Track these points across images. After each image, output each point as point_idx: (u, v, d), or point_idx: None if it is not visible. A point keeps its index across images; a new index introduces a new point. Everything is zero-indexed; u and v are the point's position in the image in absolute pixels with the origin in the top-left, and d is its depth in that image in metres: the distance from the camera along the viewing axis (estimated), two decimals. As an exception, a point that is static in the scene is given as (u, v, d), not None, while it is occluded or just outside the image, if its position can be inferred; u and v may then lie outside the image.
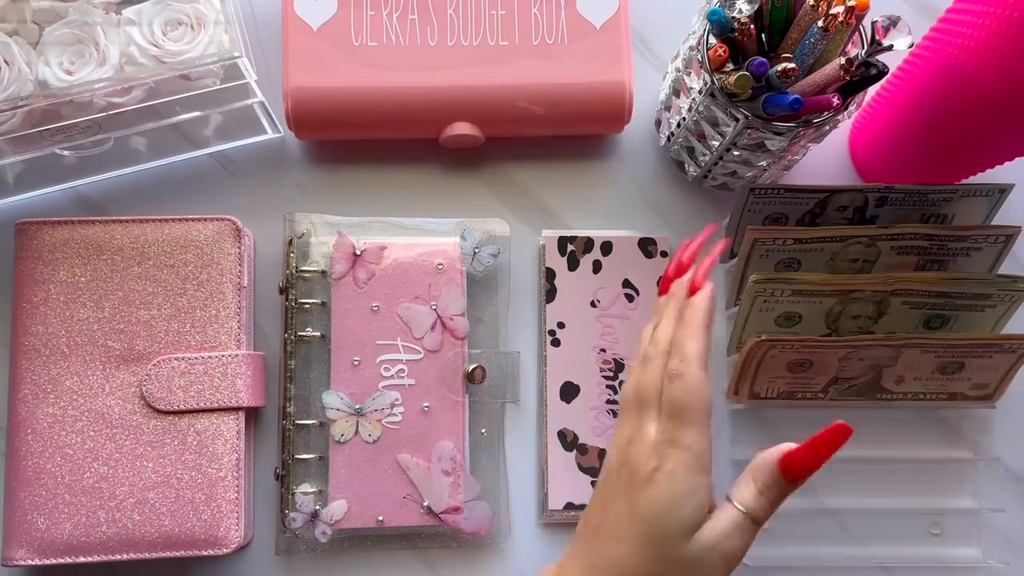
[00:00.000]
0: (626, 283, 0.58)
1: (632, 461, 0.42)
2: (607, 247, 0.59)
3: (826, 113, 0.47)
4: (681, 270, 0.46)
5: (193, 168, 0.59)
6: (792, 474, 0.40)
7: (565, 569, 0.43)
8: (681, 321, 0.44)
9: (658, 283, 0.49)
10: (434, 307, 0.56)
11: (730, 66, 0.48)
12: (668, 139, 0.58)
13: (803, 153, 0.55)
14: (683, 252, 0.47)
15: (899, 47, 0.45)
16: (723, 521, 0.40)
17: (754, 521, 0.41)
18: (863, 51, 0.47)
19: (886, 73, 0.46)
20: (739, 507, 0.41)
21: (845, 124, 0.58)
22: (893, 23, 0.45)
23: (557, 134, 0.59)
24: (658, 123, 0.60)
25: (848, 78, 0.46)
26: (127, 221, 0.55)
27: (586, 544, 0.43)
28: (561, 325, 0.58)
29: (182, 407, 0.53)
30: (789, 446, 0.41)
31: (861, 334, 0.53)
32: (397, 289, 0.56)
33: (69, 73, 0.49)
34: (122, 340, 0.53)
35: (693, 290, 0.45)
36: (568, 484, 0.56)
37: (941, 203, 0.54)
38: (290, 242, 0.56)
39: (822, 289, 0.51)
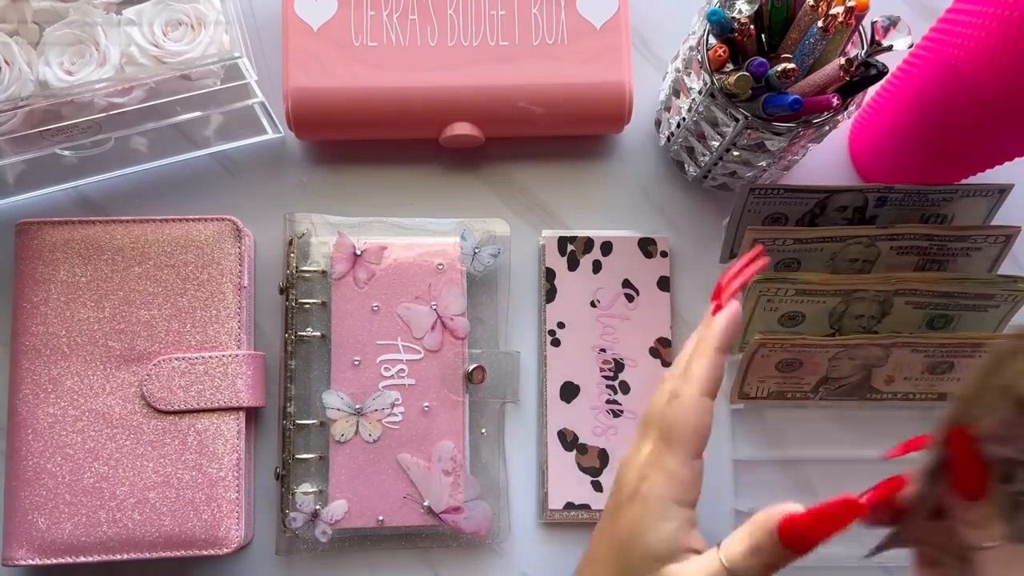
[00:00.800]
0: (626, 283, 0.58)
1: (620, 479, 0.40)
2: (607, 247, 0.59)
3: (826, 113, 0.47)
4: (720, 292, 0.42)
5: (193, 168, 0.59)
6: (790, 542, 0.35)
7: None
8: (698, 341, 0.41)
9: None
10: (434, 307, 0.56)
11: (730, 66, 0.48)
12: (668, 139, 0.58)
13: (803, 153, 0.55)
14: (726, 274, 0.43)
15: (899, 47, 0.45)
16: (700, 568, 0.36)
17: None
18: (863, 51, 0.47)
19: (886, 73, 0.46)
20: (723, 559, 0.36)
21: (845, 124, 0.58)
22: (893, 23, 0.45)
23: (557, 134, 0.59)
24: (658, 123, 0.60)
25: (848, 78, 0.46)
26: (127, 221, 0.55)
27: (579, 571, 0.42)
28: (561, 325, 0.58)
29: (182, 407, 0.53)
30: (794, 508, 0.36)
31: (865, 334, 0.53)
32: (397, 289, 0.56)
33: (69, 73, 0.49)
34: (122, 340, 0.53)
35: (717, 309, 0.41)
36: (568, 484, 0.56)
37: (941, 203, 0.54)
38: (290, 242, 0.56)
39: (825, 289, 0.51)
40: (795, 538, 0.35)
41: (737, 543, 0.36)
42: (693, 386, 0.39)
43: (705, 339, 0.40)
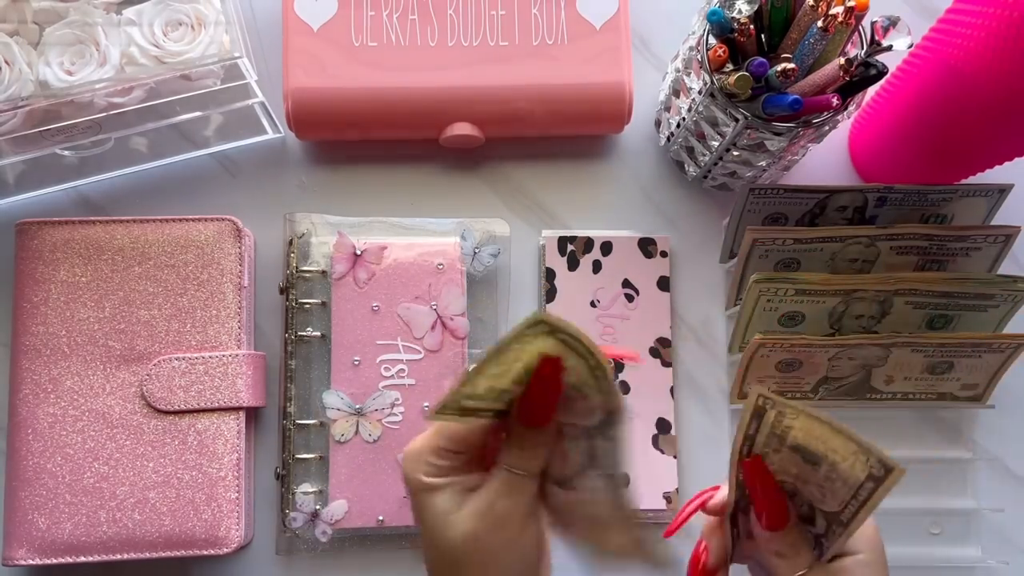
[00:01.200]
0: (626, 283, 0.58)
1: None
2: (607, 247, 0.59)
3: (826, 113, 0.47)
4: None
5: (193, 168, 0.59)
6: (528, 420, 0.38)
7: None
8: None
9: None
10: (434, 307, 0.56)
11: (730, 66, 0.48)
12: (668, 139, 0.58)
13: (803, 153, 0.55)
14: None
15: (898, 47, 0.46)
16: (499, 492, 0.38)
17: (521, 474, 0.39)
18: (862, 51, 0.47)
19: (885, 73, 0.46)
20: (509, 469, 0.39)
21: (845, 124, 0.58)
22: (892, 23, 0.45)
23: (557, 134, 0.59)
24: (658, 123, 0.60)
25: (848, 78, 0.46)
26: (128, 221, 0.55)
27: None
28: (561, 325, 0.58)
29: (183, 407, 0.53)
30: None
31: (865, 334, 0.53)
32: (397, 289, 0.56)
33: (70, 73, 0.49)
34: (123, 340, 0.53)
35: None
36: (568, 484, 0.56)
37: (941, 203, 0.54)
38: (290, 242, 0.56)
39: (825, 289, 0.51)
40: (528, 415, 0.38)
41: (505, 450, 0.39)
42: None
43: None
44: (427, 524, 0.39)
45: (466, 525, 0.38)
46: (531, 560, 0.39)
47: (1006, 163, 0.52)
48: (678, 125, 0.55)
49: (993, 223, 0.55)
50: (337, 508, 0.54)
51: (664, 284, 0.58)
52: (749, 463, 0.39)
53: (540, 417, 0.39)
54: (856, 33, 0.47)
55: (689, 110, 0.52)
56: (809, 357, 0.51)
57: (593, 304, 0.58)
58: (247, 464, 0.54)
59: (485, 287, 0.58)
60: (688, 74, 0.51)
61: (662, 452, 0.57)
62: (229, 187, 0.59)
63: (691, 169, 0.58)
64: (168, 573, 0.55)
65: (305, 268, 0.56)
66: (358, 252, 0.56)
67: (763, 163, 0.53)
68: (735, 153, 0.52)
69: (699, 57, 0.48)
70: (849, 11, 0.44)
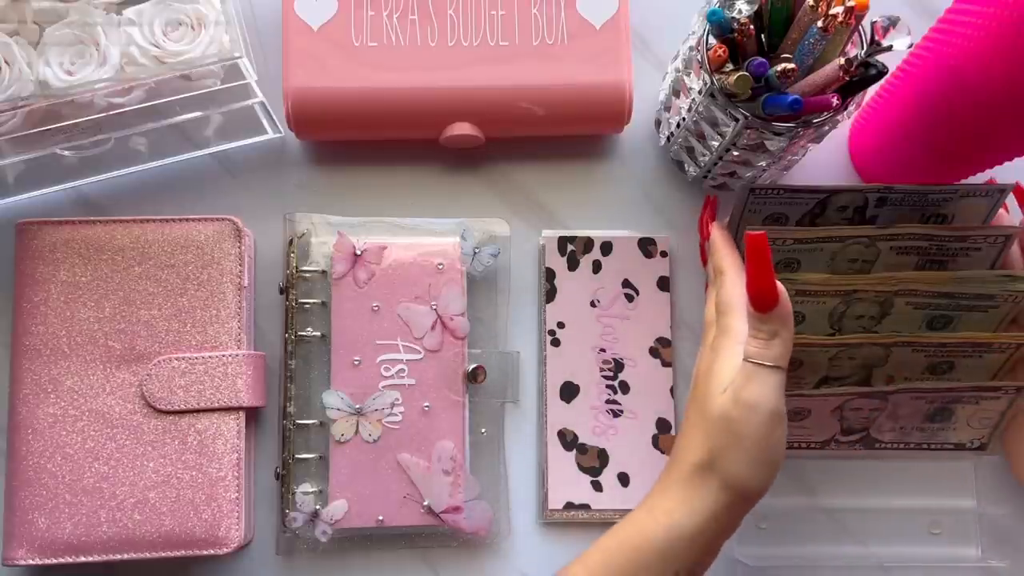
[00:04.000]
0: (626, 283, 0.58)
1: (697, 370, 0.47)
2: (607, 247, 0.59)
3: (826, 113, 0.47)
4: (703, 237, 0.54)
5: (193, 168, 0.59)
6: (759, 305, 0.42)
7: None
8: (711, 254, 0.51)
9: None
10: (434, 307, 0.56)
11: (730, 66, 0.48)
12: (668, 139, 0.58)
13: (803, 153, 0.55)
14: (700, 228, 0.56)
15: (898, 47, 0.45)
16: (738, 375, 0.43)
17: (760, 364, 0.42)
18: (862, 51, 0.47)
19: (885, 73, 0.46)
20: (743, 358, 0.43)
21: (845, 124, 0.58)
22: (892, 23, 0.45)
23: (557, 134, 0.59)
24: (658, 123, 0.60)
25: (847, 78, 0.46)
26: (128, 221, 0.55)
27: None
28: (561, 325, 0.58)
29: (183, 407, 0.53)
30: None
31: (865, 334, 0.53)
32: (397, 289, 0.56)
33: (70, 73, 0.49)
34: (123, 340, 0.53)
35: (706, 237, 0.53)
36: (568, 484, 0.56)
37: (941, 203, 0.54)
38: (290, 242, 0.56)
39: (825, 289, 0.51)
40: (758, 300, 0.42)
41: (748, 341, 0.44)
42: (730, 270, 0.48)
43: (715, 249, 0.50)
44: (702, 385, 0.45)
45: (722, 405, 0.43)
46: (774, 457, 0.43)
47: (1006, 163, 0.52)
48: (678, 125, 0.55)
49: (993, 223, 0.55)
50: (337, 508, 0.54)
51: (664, 284, 0.58)
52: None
53: (766, 300, 0.42)
54: (856, 33, 0.47)
55: (689, 110, 0.52)
56: (809, 357, 0.51)
57: (593, 304, 0.58)
58: (247, 464, 0.54)
59: (485, 287, 0.58)
60: (688, 74, 0.51)
61: (662, 452, 0.57)
62: (229, 187, 0.59)
63: (691, 169, 0.58)
64: (168, 573, 0.55)
65: (305, 268, 0.56)
66: (358, 252, 0.56)
67: (763, 163, 0.53)
68: (735, 153, 0.52)
69: (699, 57, 0.48)
70: (849, 11, 0.44)
